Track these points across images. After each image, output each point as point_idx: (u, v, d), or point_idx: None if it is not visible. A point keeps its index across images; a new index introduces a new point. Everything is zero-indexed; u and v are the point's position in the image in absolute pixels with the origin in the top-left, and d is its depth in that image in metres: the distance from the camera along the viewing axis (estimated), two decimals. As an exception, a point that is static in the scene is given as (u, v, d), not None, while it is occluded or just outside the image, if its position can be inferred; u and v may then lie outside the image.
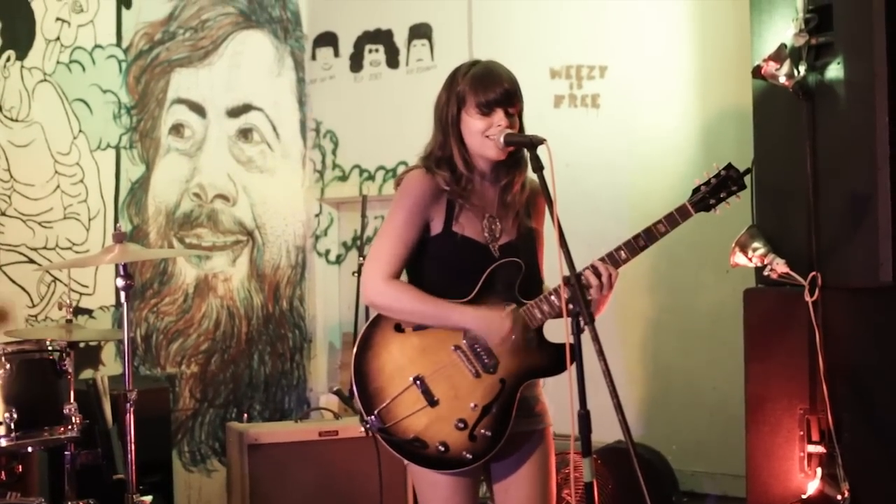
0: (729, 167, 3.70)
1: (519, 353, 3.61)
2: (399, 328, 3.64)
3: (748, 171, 3.72)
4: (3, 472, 4.45)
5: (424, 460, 3.61)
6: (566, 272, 3.30)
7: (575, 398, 3.22)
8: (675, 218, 3.62)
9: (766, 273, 4.54)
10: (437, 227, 3.66)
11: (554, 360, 3.59)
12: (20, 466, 4.56)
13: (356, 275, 6.81)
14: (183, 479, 6.87)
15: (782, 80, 4.43)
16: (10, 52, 6.24)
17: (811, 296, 4.37)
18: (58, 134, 6.45)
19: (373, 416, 3.58)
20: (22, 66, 6.29)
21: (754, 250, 4.54)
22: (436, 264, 3.67)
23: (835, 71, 4.36)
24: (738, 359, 4.76)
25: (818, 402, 4.44)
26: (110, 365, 6.56)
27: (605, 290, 3.57)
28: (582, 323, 3.26)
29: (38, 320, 6.28)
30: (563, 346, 3.39)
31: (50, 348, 4.24)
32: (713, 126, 6.05)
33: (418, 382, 3.58)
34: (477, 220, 3.67)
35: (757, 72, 4.55)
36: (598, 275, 3.56)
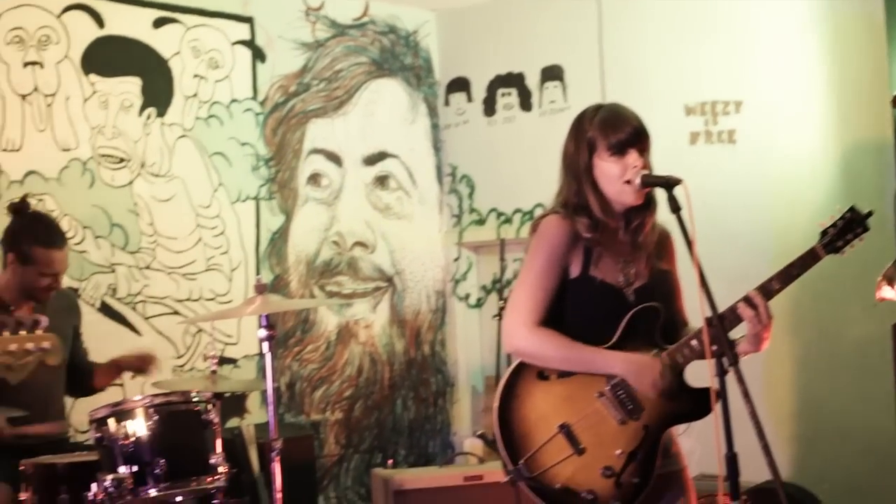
0: (852, 210, 3.62)
1: (662, 399, 3.56)
2: (542, 376, 3.61)
3: (870, 213, 3.64)
4: (153, 523, 4.51)
5: (573, 510, 3.58)
6: (708, 313, 3.26)
7: (722, 440, 3.17)
8: (807, 261, 3.56)
9: (914, 306, 4.44)
10: (574, 272, 3.63)
11: (696, 404, 3.53)
12: (170, 516, 4.62)
13: (497, 318, 6.81)
14: (330, 526, 6.93)
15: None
16: (151, 110, 6.39)
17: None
18: (198, 187, 6.58)
19: (519, 465, 3.55)
20: (162, 123, 6.44)
21: (902, 283, 4.44)
22: (573, 310, 3.64)
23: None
24: (888, 394, 4.65)
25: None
26: (255, 413, 6.64)
27: (764, 319, 3.51)
28: (726, 364, 3.21)
29: (185, 370, 6.40)
30: (704, 390, 3.35)
31: (195, 399, 4.30)
32: (852, 157, 5.94)
33: (564, 430, 3.55)
34: (613, 264, 3.64)
35: (896, 101, 4.46)
36: (753, 306, 3.51)
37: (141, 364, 5.39)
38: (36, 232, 5.11)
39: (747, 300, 3.52)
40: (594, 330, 3.58)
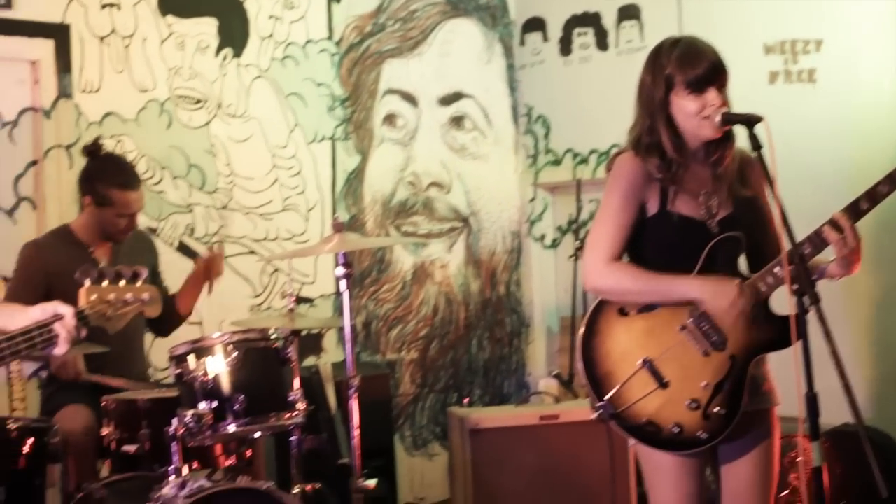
0: None
1: (747, 328, 3.53)
2: (623, 312, 3.61)
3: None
4: (233, 457, 4.57)
5: (659, 443, 3.57)
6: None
7: (801, 380, 3.15)
8: (895, 179, 3.49)
9: None
10: (652, 208, 3.61)
11: (782, 332, 3.46)
12: (249, 451, 4.67)
13: (572, 259, 6.80)
14: (405, 464, 6.96)
15: None
16: (227, 51, 6.42)
17: None
18: (275, 128, 6.61)
19: (605, 402, 3.55)
20: (238, 64, 6.46)
21: None
22: (654, 246, 3.62)
23: None
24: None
25: None
26: (332, 352, 6.69)
27: (850, 242, 3.46)
28: (807, 303, 3.18)
29: (262, 309, 6.45)
30: (789, 318, 3.32)
31: (274, 336, 4.33)
32: (934, 96, 5.84)
33: (647, 365, 3.54)
34: (692, 197, 3.60)
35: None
36: (839, 229, 3.46)
37: (210, 265, 5.40)
38: (111, 174, 5.15)
39: (833, 223, 3.46)
40: (676, 265, 3.55)
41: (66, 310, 3.24)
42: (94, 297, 3.31)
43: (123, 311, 3.42)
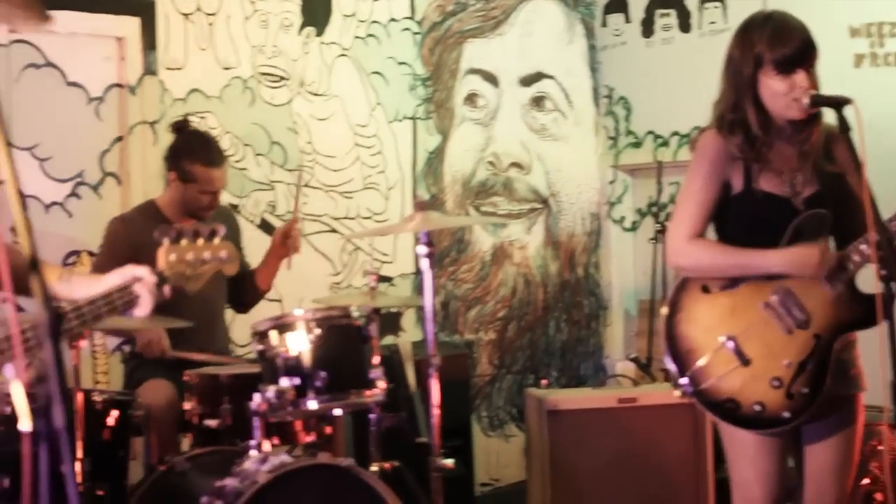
0: None
1: (832, 306, 3.49)
2: (706, 289, 3.59)
3: None
4: (312, 434, 4.59)
5: (740, 421, 3.55)
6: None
7: (887, 365, 3.11)
8: None
9: None
10: (737, 186, 3.59)
11: (867, 311, 3.40)
12: (328, 428, 4.70)
13: (652, 241, 6.75)
14: (481, 445, 6.96)
15: None
16: (310, 29, 6.43)
17: None
18: (356, 106, 6.62)
19: (686, 378, 3.54)
20: (321, 42, 6.48)
21: None
22: (739, 224, 3.60)
23: None
24: None
25: None
26: (410, 331, 6.70)
27: None
28: (895, 288, 3.14)
29: (341, 287, 6.48)
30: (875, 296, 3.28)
31: (355, 314, 4.34)
32: None
33: (730, 342, 3.52)
34: (776, 174, 3.57)
35: None
36: None
37: (285, 238, 5.42)
38: (196, 150, 5.20)
39: None
40: (762, 243, 3.52)
41: (144, 271, 3.24)
42: (172, 256, 3.29)
43: (202, 270, 3.37)
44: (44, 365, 1.98)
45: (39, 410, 1.98)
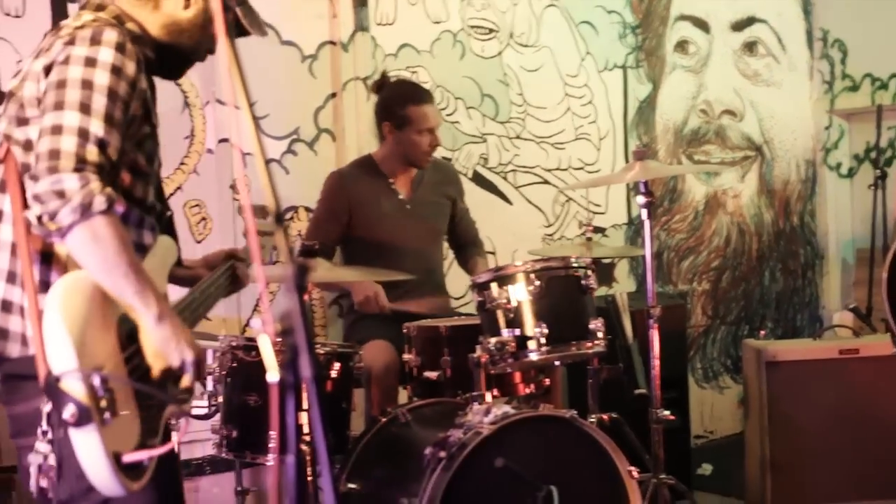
0: None
1: None
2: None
3: None
4: (531, 385, 4.58)
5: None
6: None
7: None
8: None
9: None
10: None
11: None
12: (546, 380, 4.69)
13: (871, 188, 6.57)
14: (695, 396, 6.88)
15: None
16: (519, -21, 6.41)
17: None
18: (566, 57, 6.57)
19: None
20: (530, -8, 6.45)
21: None
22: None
23: None
24: None
25: None
26: (623, 282, 6.67)
27: None
28: None
29: (554, 239, 6.46)
30: None
31: (575, 265, 4.31)
32: None
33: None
34: None
35: None
36: None
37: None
38: (403, 93, 5.30)
39: None
40: None
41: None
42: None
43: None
44: (290, 317, 2.02)
45: (286, 362, 2.02)
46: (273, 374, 2.04)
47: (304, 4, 5.79)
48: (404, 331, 4.69)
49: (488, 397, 4.19)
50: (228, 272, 3.40)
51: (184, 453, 4.60)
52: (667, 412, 4.73)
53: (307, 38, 5.81)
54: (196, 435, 5.03)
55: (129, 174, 2.91)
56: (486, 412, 4.04)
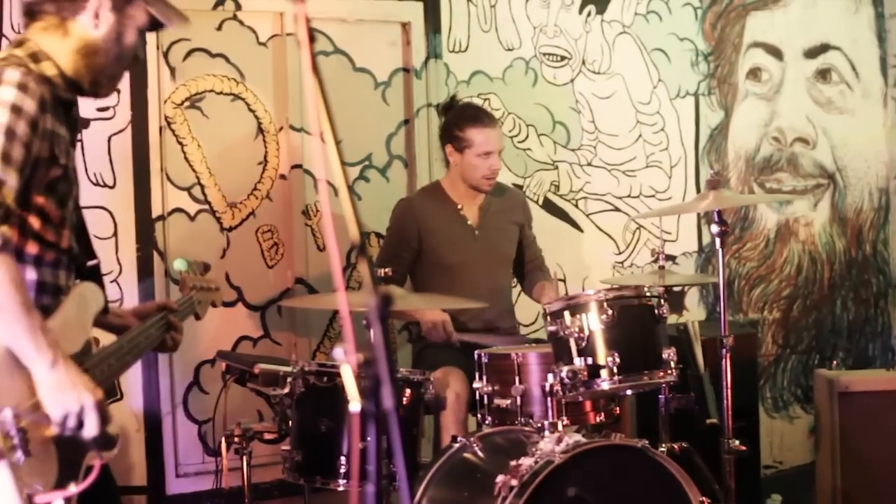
0: None
1: None
2: None
3: None
4: (601, 414, 4.57)
5: None
6: None
7: None
8: None
9: None
10: None
11: None
12: (616, 409, 4.67)
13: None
14: (765, 425, 6.82)
15: None
16: (591, 7, 6.41)
17: None
18: (638, 84, 6.57)
19: None
20: (602, 20, 6.45)
21: None
22: None
23: None
24: None
25: None
26: (693, 310, 6.64)
27: None
28: None
29: (624, 267, 6.45)
30: None
31: (648, 294, 4.30)
32: None
33: None
34: None
35: None
36: None
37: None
38: (465, 116, 5.32)
39: None
40: None
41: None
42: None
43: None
44: (373, 348, 2.03)
45: (367, 391, 2.03)
46: (355, 404, 2.06)
47: (378, 32, 5.84)
48: (476, 358, 4.69)
49: (559, 426, 4.19)
50: (161, 323, 3.38)
51: (253, 477, 4.61)
52: (737, 442, 4.70)
53: (380, 64, 5.88)
54: (265, 459, 5.08)
55: (38, 219, 2.87)
56: (558, 441, 4.03)
